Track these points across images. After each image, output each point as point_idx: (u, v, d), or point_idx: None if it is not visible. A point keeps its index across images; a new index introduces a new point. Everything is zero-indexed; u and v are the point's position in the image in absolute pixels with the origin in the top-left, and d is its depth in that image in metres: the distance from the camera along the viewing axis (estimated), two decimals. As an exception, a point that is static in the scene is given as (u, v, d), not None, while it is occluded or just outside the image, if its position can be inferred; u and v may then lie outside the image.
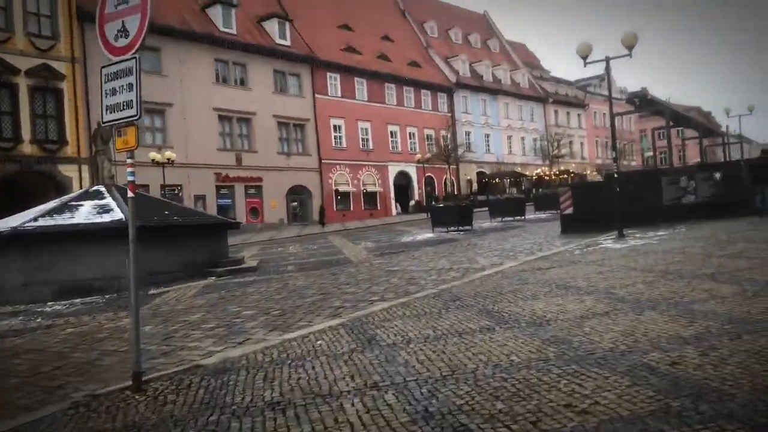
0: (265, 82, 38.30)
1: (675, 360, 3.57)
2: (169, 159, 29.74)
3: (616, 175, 12.16)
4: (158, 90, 32.51)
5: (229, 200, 36.16)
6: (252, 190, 37.19)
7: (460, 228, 20.50)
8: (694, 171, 14.39)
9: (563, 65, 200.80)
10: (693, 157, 74.74)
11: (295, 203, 40.42)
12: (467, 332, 4.91)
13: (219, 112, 35.60)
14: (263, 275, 12.20)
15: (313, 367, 4.32)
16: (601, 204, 15.06)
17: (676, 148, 72.07)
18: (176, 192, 33.39)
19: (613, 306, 5.30)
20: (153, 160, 29.06)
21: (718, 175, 13.73)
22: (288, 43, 39.65)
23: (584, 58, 12.22)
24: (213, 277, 12.42)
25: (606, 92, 46.27)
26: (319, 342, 5.20)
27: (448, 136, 27.92)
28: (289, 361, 4.61)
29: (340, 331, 5.57)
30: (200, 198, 34.40)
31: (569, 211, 15.50)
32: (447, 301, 6.56)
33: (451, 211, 20.34)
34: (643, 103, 15.08)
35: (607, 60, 12.12)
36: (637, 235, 12.17)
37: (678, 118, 17.03)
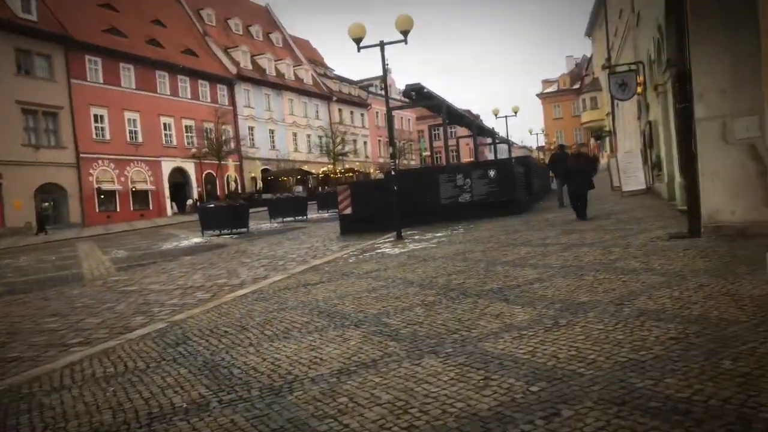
0: (5, 62, 32.35)
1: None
2: None
3: (393, 173, 11.14)
4: None
5: (-45, 201, 29.87)
6: (-12, 189, 31.16)
7: (234, 231, 18.49)
8: (470, 169, 14.04)
9: (346, 65, 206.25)
10: (467, 157, 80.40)
11: (47, 203, 34.85)
12: (159, 417, 3.12)
13: (-61, 94, 29.19)
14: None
15: None
16: (381, 203, 14.16)
17: (452, 148, 77.09)
18: None
19: (385, 348, 3.88)
20: None
21: (492, 173, 13.49)
22: (34, 18, 33.99)
23: (357, 41, 11.04)
24: None
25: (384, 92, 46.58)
26: None
27: (229, 129, 25.52)
28: None
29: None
30: None
31: (348, 211, 14.39)
32: (166, 348, 4.69)
33: (223, 212, 18.21)
34: (419, 96, 14.45)
35: (382, 45, 11.06)
36: (416, 237, 11.32)
37: (453, 114, 16.80)
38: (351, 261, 8.89)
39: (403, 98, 13.19)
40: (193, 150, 40.16)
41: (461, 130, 38.81)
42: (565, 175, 13.14)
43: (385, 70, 10.95)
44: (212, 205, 18.87)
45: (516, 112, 27.46)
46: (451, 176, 13.81)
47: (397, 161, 11.31)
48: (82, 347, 5.17)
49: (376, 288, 6.24)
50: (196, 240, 17.61)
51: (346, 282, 6.88)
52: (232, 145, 23.61)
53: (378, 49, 11.25)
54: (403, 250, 9.41)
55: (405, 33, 10.84)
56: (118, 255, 15.09)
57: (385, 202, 13.94)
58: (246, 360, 4.01)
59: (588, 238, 8.44)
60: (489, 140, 29.91)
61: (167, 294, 7.85)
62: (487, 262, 7.10)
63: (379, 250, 9.79)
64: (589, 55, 72.92)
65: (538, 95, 79.31)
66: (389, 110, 11.21)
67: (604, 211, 12.88)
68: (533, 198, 17.16)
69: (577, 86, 75.92)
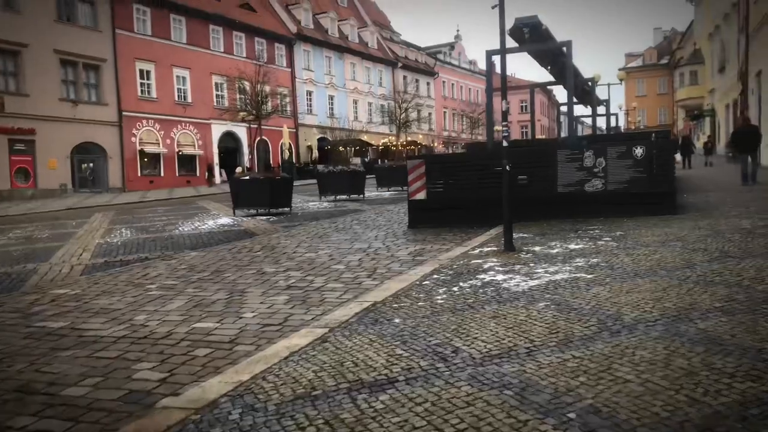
0: (45, 5, 29.45)
1: None
2: None
3: (505, 141, 6.95)
4: None
5: (-16, 157, 27.38)
6: (20, 146, 28.61)
7: (272, 211, 14.71)
8: (606, 144, 9.68)
9: (413, 30, 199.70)
10: (539, 134, 74.70)
11: (88, 164, 32.17)
12: None
13: (-31, 39, 26.49)
14: None
15: None
16: (469, 188, 10.03)
17: (523, 122, 71.29)
18: None
19: None
20: None
21: (640, 152, 9.10)
22: (78, -42, 30.86)
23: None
24: None
25: (455, 61, 42.82)
26: None
27: (266, 88, 21.61)
28: None
29: None
30: (-66, 153, 25.39)
31: (421, 195, 10.30)
32: None
33: (260, 188, 14.41)
34: (533, 34, 10.10)
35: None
36: (534, 247, 7.16)
37: (563, 69, 12.32)
38: (439, 299, 4.85)
39: (508, 34, 8.80)
40: (224, 108, 36.62)
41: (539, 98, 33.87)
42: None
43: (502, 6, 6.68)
44: (246, 179, 15.08)
45: (622, 81, 22.54)
46: (575, 154, 9.49)
47: (508, 130, 7.10)
48: None
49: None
50: (223, 221, 13.91)
51: (441, 386, 2.86)
52: (270, 105, 19.67)
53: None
54: (531, 282, 5.28)
55: None
56: (113, 240, 11.51)
57: (475, 186, 9.83)
58: None
59: None
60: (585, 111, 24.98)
61: (74, 362, 4.04)
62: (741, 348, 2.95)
63: (483, 275, 5.70)
64: (679, 29, 65.81)
65: (621, 69, 72.42)
66: (503, 40, 6.95)
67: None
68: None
69: (665, 61, 68.96)
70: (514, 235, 7.38)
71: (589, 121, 33.75)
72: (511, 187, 7.25)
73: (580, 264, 5.87)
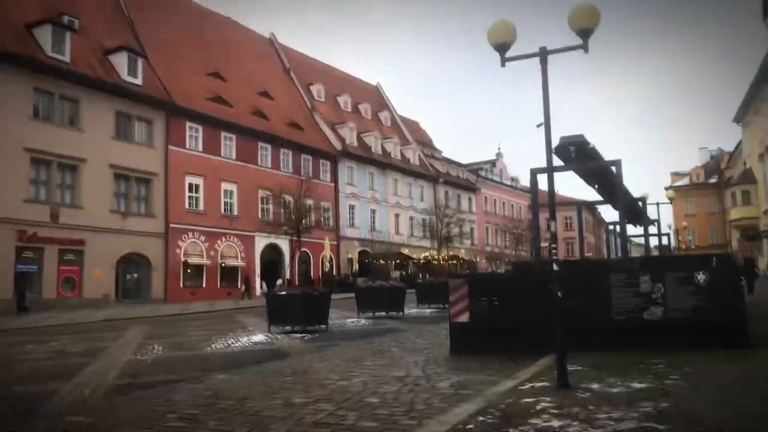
0: (104, 124, 31.16)
1: None
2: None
3: (555, 264, 6.46)
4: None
5: (35, 266, 27.99)
6: (70, 256, 29.22)
7: (308, 328, 14.22)
8: (664, 267, 9.05)
9: (456, 148, 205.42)
10: (576, 253, 73.33)
11: (132, 275, 32.57)
12: None
13: (33, 153, 27.98)
14: None
15: None
16: (516, 310, 9.42)
17: (568, 239, 70.29)
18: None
19: None
20: None
21: (702, 277, 8.44)
22: (139, 82, 32.97)
23: (501, 48, 6.80)
24: None
25: (497, 177, 43.01)
26: None
27: (309, 202, 22.00)
28: None
29: None
30: (-13, 261, 26.06)
31: (464, 318, 9.71)
32: None
33: (296, 303, 14.03)
34: (579, 153, 9.81)
35: (544, 53, 6.70)
36: (591, 384, 6.44)
37: (613, 188, 11.95)
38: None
39: (554, 151, 8.51)
40: (268, 221, 37.05)
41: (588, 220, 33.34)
42: None
43: (545, 70, 6.51)
44: (283, 294, 14.76)
45: (671, 200, 22.01)
46: (629, 277, 8.87)
47: (555, 247, 6.63)
48: None
49: None
50: (257, 338, 13.45)
51: None
52: (313, 217, 19.73)
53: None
54: None
55: (586, 33, 6.45)
56: (144, 357, 11.13)
57: (522, 310, 9.23)
58: None
59: None
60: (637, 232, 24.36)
61: None
62: None
63: (536, 420, 5.02)
64: (726, 149, 65.52)
65: (668, 188, 71.86)
66: (550, 157, 6.65)
67: None
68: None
69: (713, 180, 68.32)
70: (568, 368, 6.68)
71: (638, 240, 32.94)
72: (562, 314, 6.66)
73: (647, 409, 5.14)
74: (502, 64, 6.90)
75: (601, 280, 9.12)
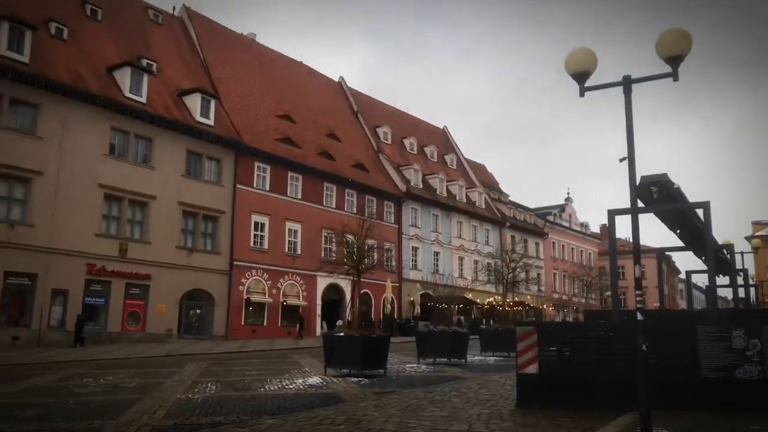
0: (175, 162, 32.00)
1: None
2: None
3: (639, 313, 5.66)
4: (27, 153, 25.91)
5: (103, 299, 28.57)
6: (135, 290, 29.71)
7: (366, 372, 13.58)
8: (759, 320, 8.04)
9: (523, 192, 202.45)
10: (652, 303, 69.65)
11: (195, 311, 32.85)
12: None
13: (107, 190, 28.88)
14: None
15: None
16: (590, 363, 8.54)
17: (623, 288, 66.73)
18: (25, 282, 25.79)
19: None
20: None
21: (807, 332, 7.39)
22: (211, 122, 33.88)
23: (580, 77, 6.21)
24: None
25: (566, 222, 41.48)
26: None
27: (373, 242, 21.95)
28: None
29: None
30: (59, 293, 26.75)
31: (533, 368, 8.89)
32: None
33: (353, 346, 13.45)
34: (662, 194, 8.96)
35: (628, 82, 6.07)
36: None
37: (693, 233, 10.92)
38: None
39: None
40: (329, 261, 36.77)
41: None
42: None
43: (630, 111, 5.88)
44: (340, 335, 14.23)
45: (757, 249, 20.39)
46: (720, 331, 7.88)
47: (643, 300, 5.83)
48: None
49: None
50: (312, 381, 12.90)
51: None
52: (375, 258, 19.26)
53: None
54: None
55: (675, 61, 5.79)
56: (195, 396, 10.75)
57: (598, 363, 8.35)
58: None
59: None
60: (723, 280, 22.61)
61: None
62: None
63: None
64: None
65: (749, 237, 67.83)
66: (633, 195, 5.93)
67: None
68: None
69: (798, 228, 63.91)
70: (653, 430, 5.81)
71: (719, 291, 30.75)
72: (647, 368, 5.83)
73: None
74: (581, 94, 6.31)
75: (687, 333, 8.16)
